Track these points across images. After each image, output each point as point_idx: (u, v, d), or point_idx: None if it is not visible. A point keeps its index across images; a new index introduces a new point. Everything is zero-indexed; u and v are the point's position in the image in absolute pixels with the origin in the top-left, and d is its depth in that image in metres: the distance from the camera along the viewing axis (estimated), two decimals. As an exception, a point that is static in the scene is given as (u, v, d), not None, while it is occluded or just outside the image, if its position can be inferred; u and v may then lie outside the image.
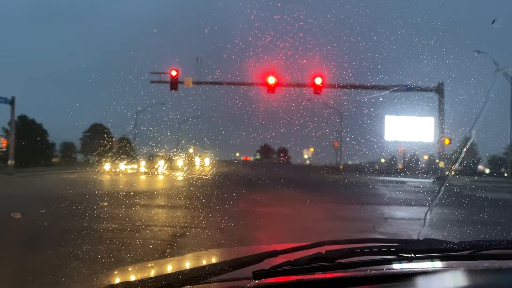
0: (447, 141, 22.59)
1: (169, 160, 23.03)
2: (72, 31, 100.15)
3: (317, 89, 19.45)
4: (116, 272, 2.15)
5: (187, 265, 2.01)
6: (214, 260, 1.90)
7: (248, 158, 44.39)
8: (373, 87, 21.44)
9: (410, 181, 24.96)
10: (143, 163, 25.88)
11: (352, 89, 22.37)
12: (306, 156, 50.19)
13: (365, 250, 1.46)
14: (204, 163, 23.58)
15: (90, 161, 33.05)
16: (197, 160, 23.79)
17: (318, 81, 19.09)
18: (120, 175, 22.91)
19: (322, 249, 1.43)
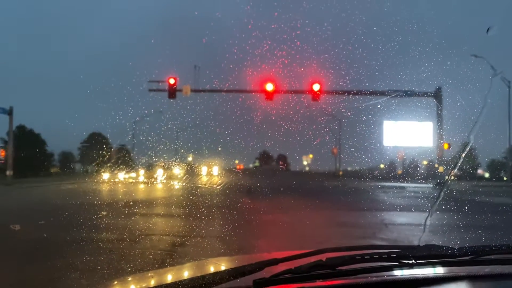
0: (446, 146, 22.62)
1: (168, 169, 23.01)
2: (70, 41, 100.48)
3: (315, 96, 19.50)
4: (115, 283, 2.14)
5: (187, 274, 2.00)
6: (214, 269, 1.89)
7: (241, 167, 43.54)
8: (371, 93, 21.51)
9: (410, 187, 24.94)
10: (142, 172, 25.88)
11: (351, 95, 22.44)
12: (305, 163, 50.12)
13: (366, 257, 1.45)
14: (203, 172, 23.55)
15: (89, 171, 33.00)
16: (195, 168, 23.76)
17: (316, 87, 19.15)
18: (119, 184, 22.86)
19: (323, 257, 1.43)
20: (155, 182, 23.18)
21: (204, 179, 22.22)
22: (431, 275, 1.54)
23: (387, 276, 1.51)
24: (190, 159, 25.12)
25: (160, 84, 21.50)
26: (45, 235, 7.22)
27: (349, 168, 43.38)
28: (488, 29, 2.53)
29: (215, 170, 23.73)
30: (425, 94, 22.37)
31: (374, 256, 1.47)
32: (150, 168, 24.99)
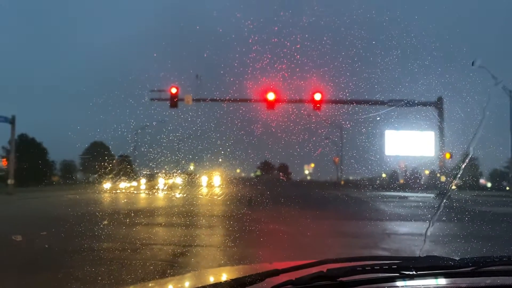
0: (448, 156, 22.56)
1: (169, 179, 22.97)
2: (72, 50, 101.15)
3: (317, 105, 19.54)
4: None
5: (188, 285, 2.00)
6: (214, 280, 1.88)
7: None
8: (372, 103, 21.54)
9: (412, 196, 24.86)
10: (143, 181, 25.83)
11: (352, 105, 22.47)
12: (307, 172, 49.96)
13: (367, 268, 1.45)
14: (205, 181, 23.52)
15: (91, 181, 32.97)
16: (197, 178, 23.74)
17: (317, 97, 19.19)
18: (121, 194, 22.83)
19: (324, 268, 1.43)
20: (156, 192, 23.15)
21: (205, 188, 22.20)
22: (432, 286, 1.54)
23: (388, 287, 1.50)
24: (191, 168, 25.09)
25: (162, 93, 21.58)
26: (46, 245, 7.20)
27: (350, 178, 43.22)
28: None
29: (217, 179, 23.70)
30: (426, 104, 22.39)
31: (375, 267, 1.47)
32: (151, 178, 24.94)
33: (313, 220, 11.30)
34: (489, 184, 39.59)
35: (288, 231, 9.71)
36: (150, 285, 2.54)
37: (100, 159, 28.52)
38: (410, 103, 20.67)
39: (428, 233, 2.14)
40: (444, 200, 2.46)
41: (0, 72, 75.90)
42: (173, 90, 20.44)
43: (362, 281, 1.44)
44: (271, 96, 19.13)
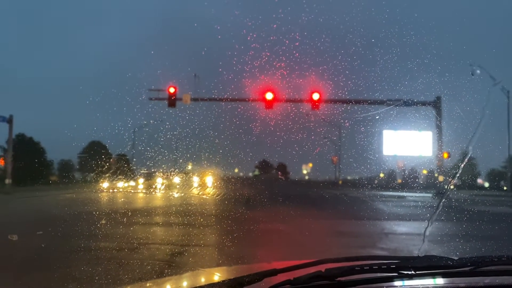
0: (445, 155, 22.61)
1: (167, 179, 22.96)
2: (70, 50, 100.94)
3: (315, 105, 19.55)
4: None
5: (185, 285, 1.99)
6: (212, 280, 1.87)
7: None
8: (371, 102, 21.57)
9: (410, 196, 24.90)
10: (141, 181, 25.82)
11: (350, 104, 22.49)
12: (305, 172, 50.00)
13: (365, 267, 1.45)
14: (203, 181, 23.50)
15: (88, 180, 32.90)
16: (195, 177, 23.73)
17: (315, 96, 19.21)
18: (118, 194, 22.80)
19: (322, 267, 1.42)
20: (154, 192, 23.13)
21: (203, 188, 22.18)
22: (431, 286, 1.53)
23: (386, 287, 1.50)
24: (189, 168, 25.06)
25: (160, 93, 21.55)
26: (43, 245, 7.18)
27: (348, 177, 43.31)
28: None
29: (215, 179, 23.70)
30: (424, 104, 22.43)
31: (374, 267, 1.47)
32: (149, 177, 24.93)
33: (311, 219, 11.30)
34: (486, 184, 39.68)
35: (286, 230, 9.72)
36: (147, 285, 2.53)
37: (97, 158, 28.44)
38: (409, 103, 20.71)
39: (427, 233, 2.13)
40: (443, 200, 2.46)
41: (-2, 72, 75.77)
42: (171, 90, 20.42)
43: (361, 281, 1.43)
44: (269, 95, 19.14)
